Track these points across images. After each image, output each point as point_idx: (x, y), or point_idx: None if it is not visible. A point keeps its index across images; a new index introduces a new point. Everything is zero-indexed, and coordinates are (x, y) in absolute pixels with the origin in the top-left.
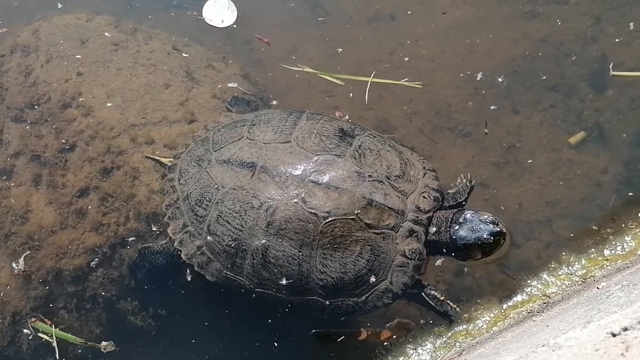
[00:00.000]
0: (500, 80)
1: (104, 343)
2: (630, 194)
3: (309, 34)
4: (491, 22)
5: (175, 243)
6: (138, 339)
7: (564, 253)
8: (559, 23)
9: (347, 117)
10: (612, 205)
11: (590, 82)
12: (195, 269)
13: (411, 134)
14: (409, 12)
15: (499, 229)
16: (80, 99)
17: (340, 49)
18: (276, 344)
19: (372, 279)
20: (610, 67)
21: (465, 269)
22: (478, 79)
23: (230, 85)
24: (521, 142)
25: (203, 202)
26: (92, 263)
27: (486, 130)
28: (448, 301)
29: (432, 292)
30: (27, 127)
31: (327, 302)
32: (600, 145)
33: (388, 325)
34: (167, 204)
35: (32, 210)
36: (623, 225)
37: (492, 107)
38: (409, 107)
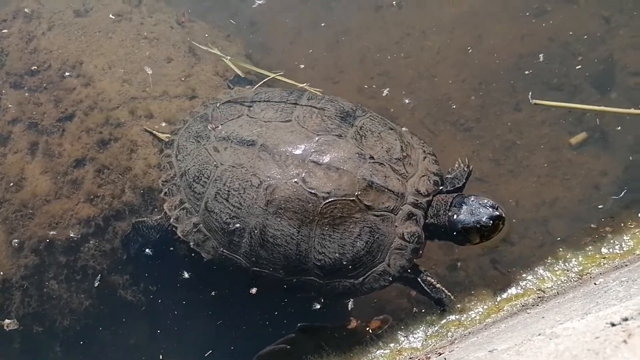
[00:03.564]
0: (504, 76)
1: (7, 321)
2: (630, 196)
3: (314, 18)
4: (499, 16)
5: (172, 220)
6: (127, 314)
7: (560, 249)
8: (567, 22)
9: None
10: (609, 208)
11: (595, 84)
12: (191, 246)
13: (412, 125)
14: (416, 2)
15: (498, 213)
16: (81, 69)
17: (344, 37)
18: (267, 327)
19: (370, 260)
20: (529, 95)
21: (459, 263)
22: (482, 73)
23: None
24: (522, 140)
25: (201, 179)
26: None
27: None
28: (443, 288)
29: (428, 278)
30: (26, 94)
31: (324, 283)
32: (601, 147)
33: (378, 317)
34: (164, 180)
35: (26, 178)
36: (622, 225)
37: (494, 103)
38: (411, 98)
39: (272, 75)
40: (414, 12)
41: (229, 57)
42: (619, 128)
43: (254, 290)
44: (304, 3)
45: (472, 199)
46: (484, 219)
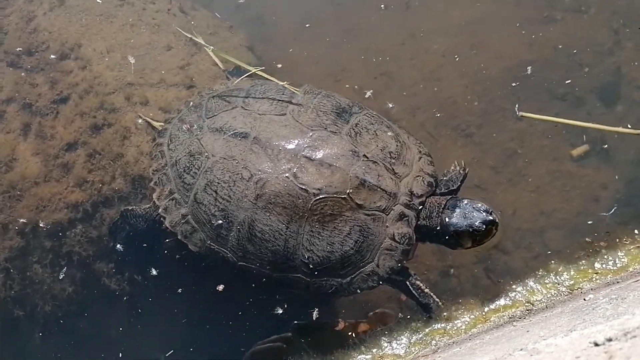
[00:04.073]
0: (508, 83)
1: None
2: (628, 211)
3: (320, 14)
4: (507, 22)
5: (160, 210)
6: (109, 302)
7: (552, 262)
8: (576, 32)
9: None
10: (607, 222)
11: (600, 96)
12: (179, 237)
13: (413, 127)
14: (424, 3)
15: (492, 218)
16: (80, 51)
17: (349, 34)
18: (248, 324)
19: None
20: (516, 108)
21: (452, 270)
22: (487, 79)
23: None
24: (523, 149)
25: (192, 170)
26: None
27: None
28: (432, 294)
29: (417, 282)
30: (23, 74)
31: (311, 281)
32: (602, 161)
33: (367, 319)
34: (155, 169)
35: (17, 159)
36: (617, 240)
37: (497, 110)
38: (413, 100)
39: (253, 70)
40: (421, 14)
41: (211, 47)
42: (621, 142)
43: (220, 288)
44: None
45: (465, 202)
46: (476, 223)
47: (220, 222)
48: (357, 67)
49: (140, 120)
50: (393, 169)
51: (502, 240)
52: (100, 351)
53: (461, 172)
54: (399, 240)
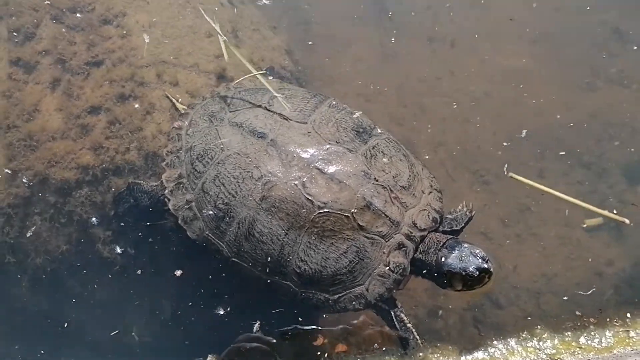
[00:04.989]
0: (536, 139)
1: None
2: (627, 294)
3: (367, 36)
4: (549, 80)
5: (166, 191)
6: (99, 270)
7: (539, 327)
8: (614, 104)
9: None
10: (604, 299)
11: (626, 172)
12: (179, 222)
13: (432, 163)
14: (470, 44)
15: (486, 266)
16: (123, 20)
17: (390, 59)
18: (226, 319)
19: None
20: (505, 167)
21: (440, 311)
22: (516, 131)
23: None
24: (537, 208)
25: (204, 159)
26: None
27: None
28: (413, 330)
29: (402, 314)
30: (63, 30)
31: (299, 291)
32: (613, 237)
33: (346, 340)
34: (169, 150)
35: (40, 111)
36: (608, 320)
37: (519, 163)
38: (438, 136)
39: (254, 73)
40: (465, 54)
41: (224, 38)
42: (637, 224)
43: (178, 273)
44: (360, 18)
45: (465, 245)
46: (470, 268)
47: (222, 215)
48: (390, 92)
49: (166, 99)
50: (401, 198)
51: (497, 294)
52: (81, 312)
53: (467, 213)
54: (393, 269)
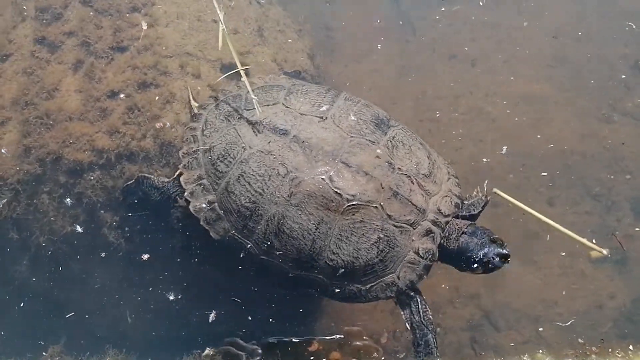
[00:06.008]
0: (547, 166)
1: None
2: (628, 327)
3: (388, 47)
4: (566, 108)
5: (186, 193)
6: (103, 254)
7: (540, 351)
8: (628, 138)
9: None
10: (606, 330)
11: (634, 207)
12: (201, 223)
13: None
14: (490, 65)
15: (506, 252)
16: (151, 9)
17: (409, 72)
18: (218, 316)
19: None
20: (485, 183)
21: (439, 329)
22: (529, 157)
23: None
24: (545, 234)
25: (226, 158)
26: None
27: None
28: (432, 325)
29: (426, 305)
30: (91, 13)
31: (331, 283)
32: (617, 271)
33: (340, 348)
34: (185, 152)
35: (60, 90)
36: (610, 351)
37: (529, 189)
38: (450, 153)
39: (239, 69)
40: (485, 75)
41: (223, 28)
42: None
43: (145, 257)
44: (384, 30)
45: (484, 232)
46: (491, 254)
47: (249, 213)
48: (407, 106)
49: (186, 90)
50: (424, 186)
51: (497, 317)
52: (82, 294)
53: (483, 198)
54: (422, 255)
